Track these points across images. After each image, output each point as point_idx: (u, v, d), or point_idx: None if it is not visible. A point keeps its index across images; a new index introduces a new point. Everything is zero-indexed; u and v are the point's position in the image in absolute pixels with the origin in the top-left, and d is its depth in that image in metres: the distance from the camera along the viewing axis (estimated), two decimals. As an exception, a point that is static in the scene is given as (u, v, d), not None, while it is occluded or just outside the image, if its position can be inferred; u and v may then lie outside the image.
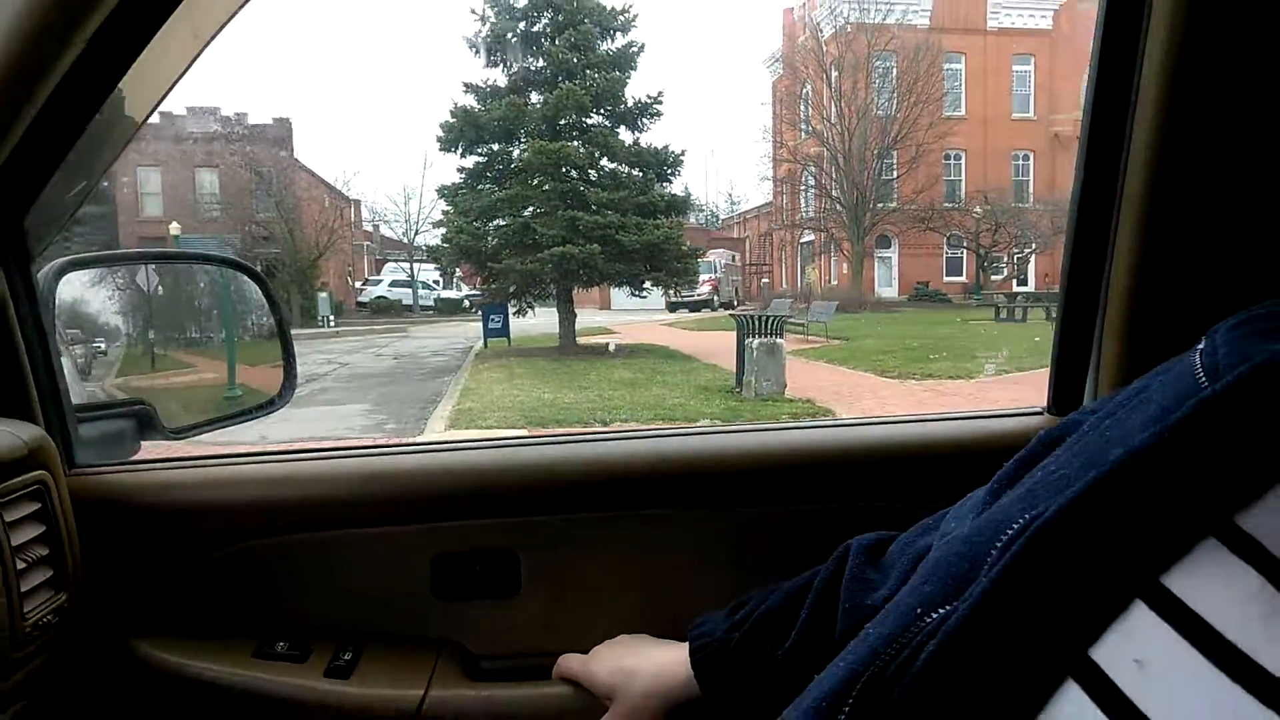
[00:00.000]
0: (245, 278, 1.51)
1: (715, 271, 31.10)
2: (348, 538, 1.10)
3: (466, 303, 30.57)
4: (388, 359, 18.05)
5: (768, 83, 35.67)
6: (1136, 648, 0.38)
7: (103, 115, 0.91)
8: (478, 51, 19.23)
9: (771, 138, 33.44)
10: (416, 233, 31.13)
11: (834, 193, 29.80)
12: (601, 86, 18.55)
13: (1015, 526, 0.47)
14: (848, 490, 1.10)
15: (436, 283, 32.65)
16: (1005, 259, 29.69)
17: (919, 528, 0.78)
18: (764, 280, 36.93)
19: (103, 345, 1.73)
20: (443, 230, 19.67)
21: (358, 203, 34.99)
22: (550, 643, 1.06)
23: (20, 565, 0.85)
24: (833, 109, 29.70)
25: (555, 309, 18.15)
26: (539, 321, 19.01)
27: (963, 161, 32.01)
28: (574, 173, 18.33)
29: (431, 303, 32.84)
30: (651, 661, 0.95)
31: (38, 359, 1.00)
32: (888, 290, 31.02)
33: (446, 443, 1.27)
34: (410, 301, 32.30)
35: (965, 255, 31.13)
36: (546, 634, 1.09)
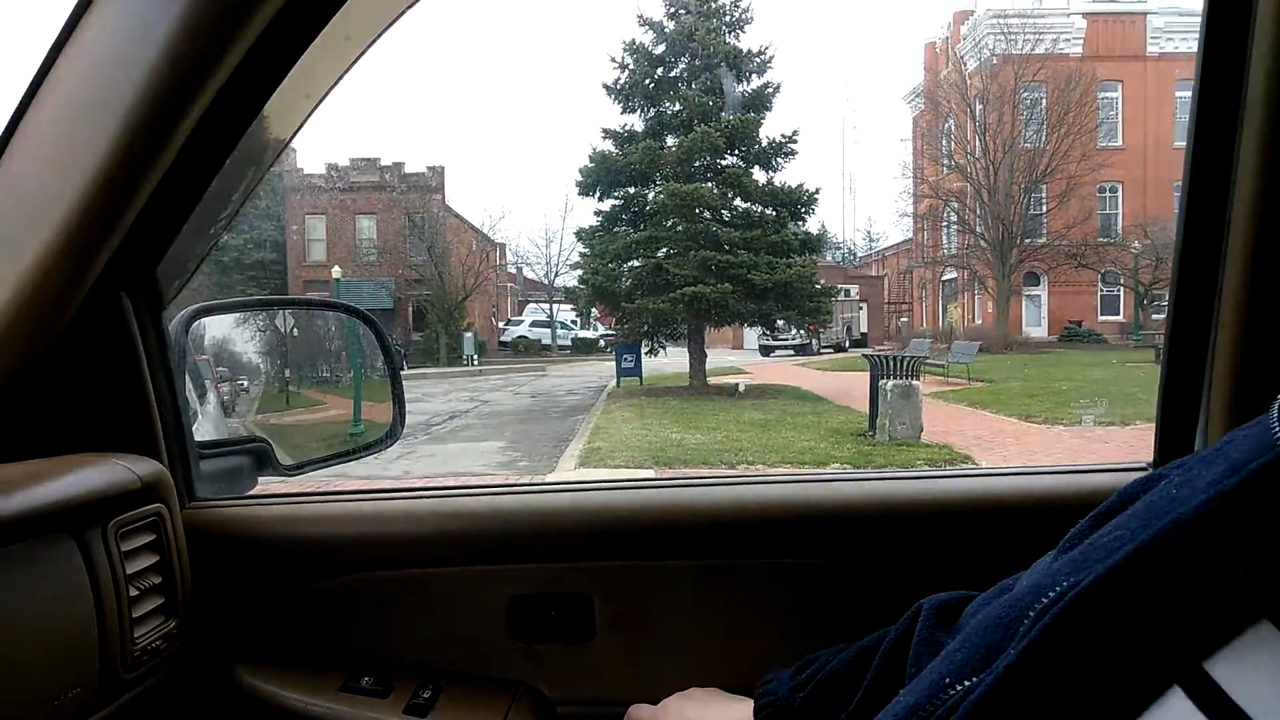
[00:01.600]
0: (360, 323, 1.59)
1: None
2: (432, 576, 1.13)
3: (601, 342, 31.16)
4: (525, 397, 18.58)
5: (908, 118, 34.97)
6: None
7: (227, 168, 0.97)
8: (616, 98, 19.74)
9: (911, 173, 32.64)
10: (556, 274, 32.22)
11: (978, 228, 28.68)
12: (736, 127, 18.67)
13: (1053, 593, 0.44)
14: (935, 545, 1.06)
15: (574, 323, 33.45)
16: (1168, 296, 27.51)
17: (996, 588, 0.73)
18: (902, 319, 35.61)
19: (245, 383, 1.88)
20: (579, 272, 20.21)
21: (503, 245, 36.53)
22: (623, 690, 1.05)
23: (133, 592, 0.91)
24: (977, 143, 28.71)
25: (686, 348, 18.23)
26: (670, 361, 19.14)
27: (1119, 194, 30.11)
28: (707, 213, 18.45)
29: (569, 342, 33.70)
30: (718, 717, 0.93)
31: (165, 400, 1.08)
32: (1036, 330, 29.41)
33: (524, 485, 1.30)
34: (549, 341, 33.24)
35: (1122, 293, 29.12)
36: (620, 680, 1.09)
